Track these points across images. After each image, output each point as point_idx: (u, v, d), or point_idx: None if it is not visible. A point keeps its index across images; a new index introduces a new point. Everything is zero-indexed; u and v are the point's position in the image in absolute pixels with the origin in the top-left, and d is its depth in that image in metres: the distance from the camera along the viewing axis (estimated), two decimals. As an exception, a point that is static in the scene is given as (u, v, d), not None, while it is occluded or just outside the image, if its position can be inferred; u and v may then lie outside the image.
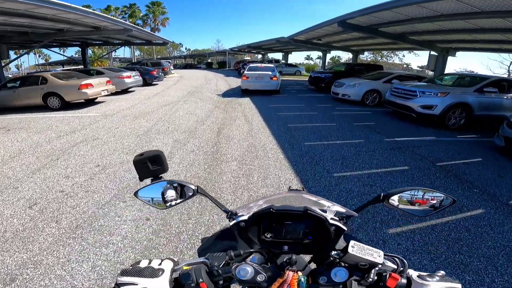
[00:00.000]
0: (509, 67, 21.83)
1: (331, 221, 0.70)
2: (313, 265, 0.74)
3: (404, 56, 31.16)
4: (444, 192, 0.74)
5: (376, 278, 0.61)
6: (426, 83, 8.43)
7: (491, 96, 6.97)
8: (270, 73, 12.25)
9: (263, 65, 14.50)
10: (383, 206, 0.90)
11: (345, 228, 0.71)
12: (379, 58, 32.99)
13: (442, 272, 0.60)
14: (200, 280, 0.59)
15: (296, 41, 20.12)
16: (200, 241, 1.11)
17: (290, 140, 5.51)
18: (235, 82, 18.14)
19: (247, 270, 0.62)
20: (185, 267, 0.63)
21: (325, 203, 0.82)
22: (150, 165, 0.80)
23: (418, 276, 0.59)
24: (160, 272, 0.58)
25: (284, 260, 0.69)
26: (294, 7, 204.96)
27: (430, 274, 0.59)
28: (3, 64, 13.76)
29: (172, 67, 31.69)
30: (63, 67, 35.07)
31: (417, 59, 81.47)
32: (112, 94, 11.03)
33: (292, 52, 35.41)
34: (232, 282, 0.64)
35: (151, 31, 32.16)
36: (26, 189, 3.41)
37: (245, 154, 4.61)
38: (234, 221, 0.73)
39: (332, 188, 3.53)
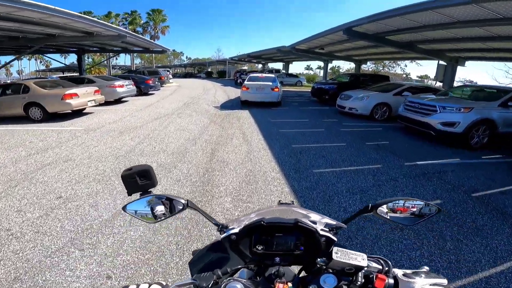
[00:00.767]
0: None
1: (322, 232, 0.69)
2: (301, 274, 0.74)
3: (406, 66, 30.69)
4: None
5: (363, 280, 0.64)
6: (443, 97, 7.68)
7: (516, 110, 6.24)
8: (271, 83, 11.47)
9: (264, 75, 13.69)
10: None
11: (335, 239, 0.70)
12: (381, 68, 32.55)
13: (426, 268, 0.63)
14: None
15: (298, 50, 19.53)
16: (191, 253, 0.96)
17: (296, 165, 4.66)
18: (234, 92, 17.45)
19: (236, 287, 0.62)
20: None
21: (315, 216, 0.80)
22: (138, 180, 0.79)
23: (404, 275, 0.62)
24: None
25: (272, 272, 0.69)
26: (294, 16, 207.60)
27: (415, 272, 0.62)
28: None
29: (171, 76, 30.90)
30: (63, 74, 34.48)
31: (418, 69, 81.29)
32: (103, 104, 10.29)
33: (293, 62, 34.85)
34: None
35: (150, 39, 31.79)
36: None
37: (241, 187, 3.77)
38: (225, 234, 0.72)
39: (353, 235, 2.72)
